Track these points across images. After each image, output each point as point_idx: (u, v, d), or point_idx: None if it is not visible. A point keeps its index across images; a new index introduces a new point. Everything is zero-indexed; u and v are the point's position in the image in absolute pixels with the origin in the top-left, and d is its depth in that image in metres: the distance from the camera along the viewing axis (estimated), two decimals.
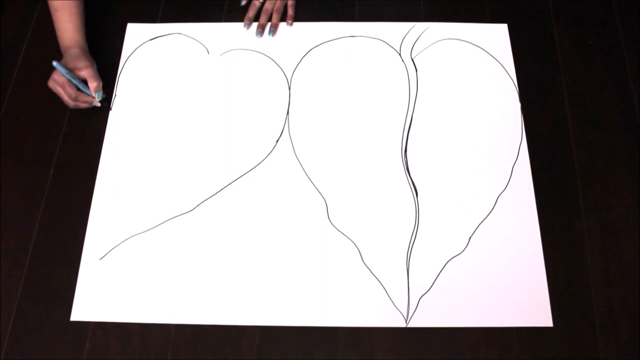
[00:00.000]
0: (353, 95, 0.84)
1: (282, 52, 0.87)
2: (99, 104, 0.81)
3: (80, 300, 0.70)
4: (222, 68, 0.86)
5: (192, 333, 0.69)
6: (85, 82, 0.80)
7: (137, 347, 0.68)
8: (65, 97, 0.79)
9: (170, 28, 0.89)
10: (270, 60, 0.87)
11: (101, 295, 0.71)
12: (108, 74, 0.85)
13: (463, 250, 0.73)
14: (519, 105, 0.83)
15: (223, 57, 0.87)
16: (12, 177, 0.78)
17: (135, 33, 0.89)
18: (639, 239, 0.74)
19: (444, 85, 0.84)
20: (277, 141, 0.80)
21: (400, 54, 0.87)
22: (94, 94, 0.80)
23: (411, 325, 0.69)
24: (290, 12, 0.90)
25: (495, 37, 0.88)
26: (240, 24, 0.90)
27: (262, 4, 0.90)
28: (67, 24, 0.81)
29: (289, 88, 0.85)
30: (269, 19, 0.89)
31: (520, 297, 0.70)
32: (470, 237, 0.74)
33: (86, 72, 0.79)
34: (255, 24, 0.89)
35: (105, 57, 0.87)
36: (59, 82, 0.78)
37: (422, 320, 0.69)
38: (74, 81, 0.78)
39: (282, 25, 0.90)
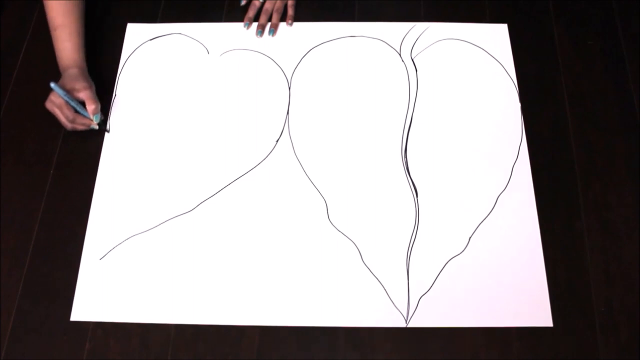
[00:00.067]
0: (353, 95, 0.84)
1: (282, 52, 0.87)
2: (96, 127, 0.79)
3: (80, 300, 0.70)
4: (222, 68, 0.86)
5: (192, 333, 0.69)
6: (83, 104, 0.78)
7: (137, 347, 0.68)
8: (62, 119, 0.77)
9: (170, 28, 0.89)
10: (270, 60, 0.87)
11: (101, 295, 0.71)
12: (108, 74, 0.85)
13: (463, 250, 0.73)
14: (519, 105, 0.83)
15: (223, 57, 0.87)
16: (12, 177, 0.78)
17: (135, 33, 0.89)
18: (639, 239, 0.74)
19: (444, 85, 0.84)
20: (277, 141, 0.80)
21: (400, 54, 0.87)
22: (91, 117, 0.78)
23: (411, 325, 0.69)
24: (290, 12, 0.90)
25: (495, 37, 0.88)
26: (240, 24, 0.90)
27: (262, 4, 0.90)
28: (66, 43, 0.79)
29: (289, 88, 0.85)
30: (269, 19, 0.89)
31: (520, 297, 0.70)
32: (470, 237, 0.74)
33: (84, 94, 0.77)
34: (255, 24, 0.89)
35: (105, 57, 0.87)
36: (56, 103, 0.76)
37: (422, 320, 0.69)
38: (72, 103, 0.76)
39: (282, 25, 0.90)
